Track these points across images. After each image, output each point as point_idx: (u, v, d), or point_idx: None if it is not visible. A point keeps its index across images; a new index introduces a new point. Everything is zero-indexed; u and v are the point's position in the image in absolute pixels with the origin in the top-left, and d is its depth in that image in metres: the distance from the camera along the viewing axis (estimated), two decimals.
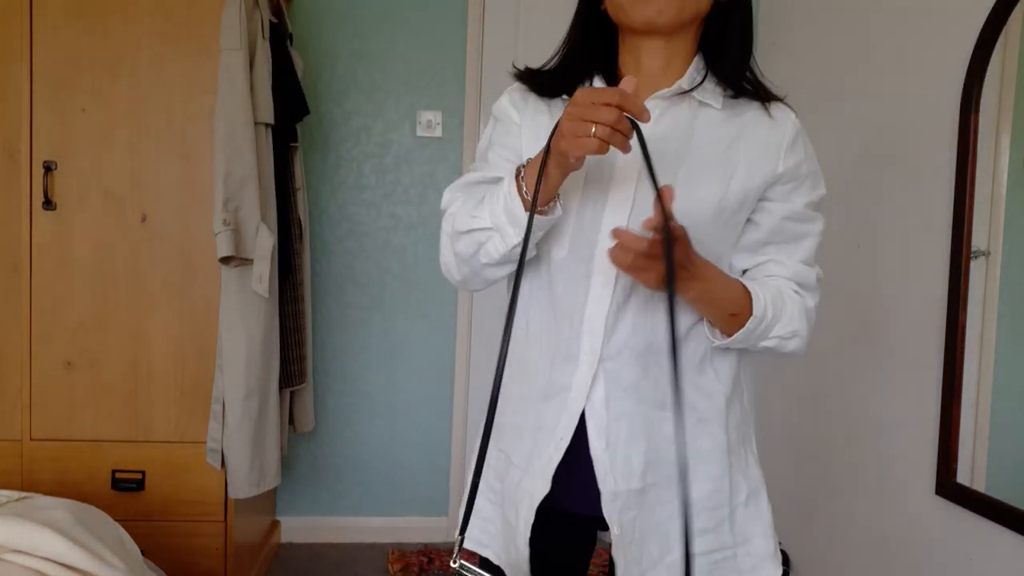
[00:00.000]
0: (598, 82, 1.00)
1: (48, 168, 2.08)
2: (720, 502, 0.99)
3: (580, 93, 0.80)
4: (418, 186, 2.77)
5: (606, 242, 0.90)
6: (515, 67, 1.05)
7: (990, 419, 1.64)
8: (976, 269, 1.65)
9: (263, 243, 2.00)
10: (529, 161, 0.90)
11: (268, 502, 2.68)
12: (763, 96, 0.97)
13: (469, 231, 0.95)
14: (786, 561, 2.43)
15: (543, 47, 1.24)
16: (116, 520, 1.62)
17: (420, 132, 2.75)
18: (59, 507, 1.46)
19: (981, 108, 1.64)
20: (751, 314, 0.92)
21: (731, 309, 0.92)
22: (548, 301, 0.99)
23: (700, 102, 0.96)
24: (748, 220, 0.99)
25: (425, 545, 2.80)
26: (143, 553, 1.64)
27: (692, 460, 0.97)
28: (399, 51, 2.74)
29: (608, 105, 0.76)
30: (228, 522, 2.16)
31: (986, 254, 1.64)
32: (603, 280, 0.94)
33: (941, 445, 1.73)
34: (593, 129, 0.76)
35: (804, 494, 2.37)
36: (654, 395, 0.96)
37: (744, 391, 1.04)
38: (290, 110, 2.29)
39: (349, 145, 2.76)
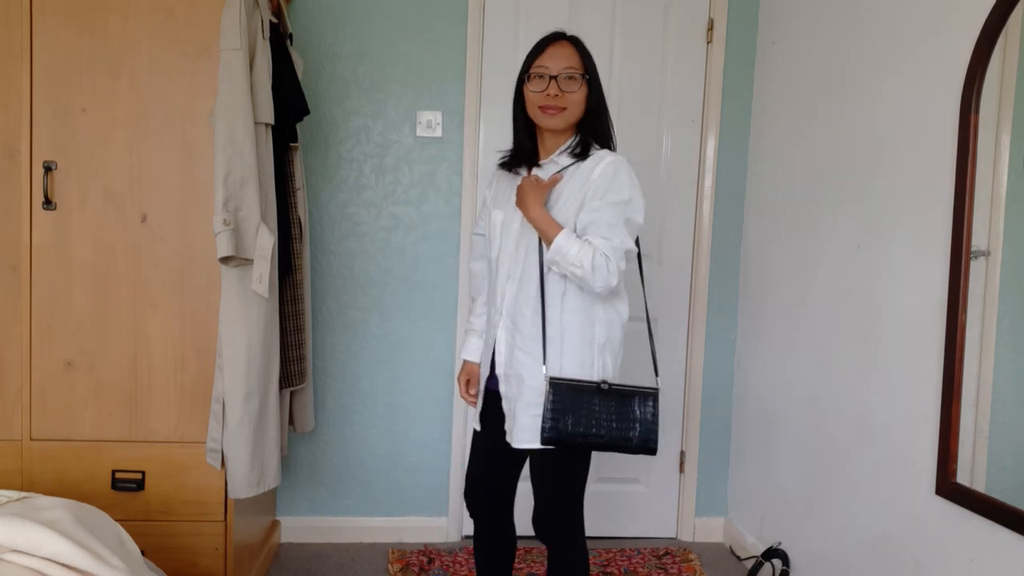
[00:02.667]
0: (523, 171, 1.84)
1: (48, 168, 2.08)
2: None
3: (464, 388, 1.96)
4: (418, 186, 2.78)
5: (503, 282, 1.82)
6: (499, 158, 1.90)
7: (990, 419, 1.64)
8: (976, 269, 1.65)
9: (263, 243, 2.00)
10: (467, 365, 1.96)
11: (268, 502, 2.68)
12: (588, 154, 1.76)
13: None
14: (786, 561, 2.43)
15: None
16: (116, 520, 1.62)
17: (420, 132, 2.75)
18: (59, 507, 1.46)
19: (981, 108, 1.64)
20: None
21: (548, 236, 1.67)
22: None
23: (564, 165, 1.78)
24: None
25: (425, 545, 2.80)
26: (143, 553, 1.64)
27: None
28: (399, 51, 2.74)
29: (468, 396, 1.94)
30: (228, 522, 2.16)
31: (986, 254, 1.64)
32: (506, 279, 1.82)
33: (941, 445, 1.73)
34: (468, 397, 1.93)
35: (804, 494, 2.38)
36: (522, 329, 1.76)
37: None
38: (290, 110, 2.28)
39: (349, 145, 2.76)
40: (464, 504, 2.85)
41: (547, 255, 1.69)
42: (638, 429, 1.67)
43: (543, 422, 1.66)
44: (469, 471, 1.94)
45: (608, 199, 1.67)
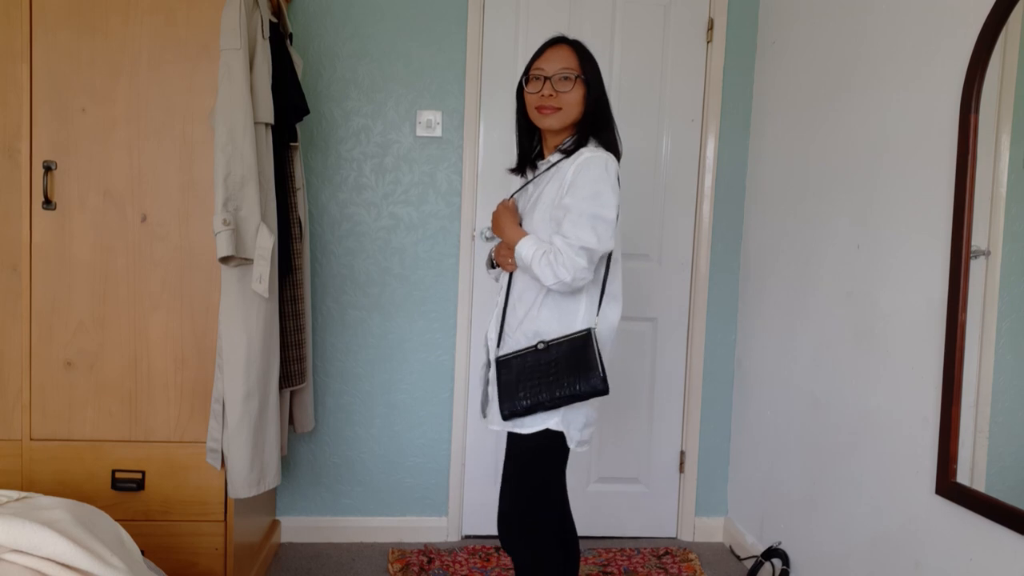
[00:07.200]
0: (530, 174, 1.89)
1: (48, 168, 2.08)
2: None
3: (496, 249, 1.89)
4: (418, 186, 2.78)
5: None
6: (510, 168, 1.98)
7: (990, 419, 1.64)
8: (976, 269, 1.65)
9: (263, 243, 2.00)
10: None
11: (268, 502, 2.68)
12: (575, 152, 1.76)
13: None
14: (786, 561, 2.43)
15: None
16: (116, 520, 1.62)
17: (420, 132, 2.75)
18: (59, 507, 1.46)
19: (981, 108, 1.64)
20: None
21: (513, 247, 1.75)
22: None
23: (554, 163, 1.80)
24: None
25: (425, 545, 2.80)
26: (143, 553, 1.64)
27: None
28: (399, 51, 2.74)
29: (505, 252, 1.81)
30: (228, 522, 2.16)
31: (986, 254, 1.64)
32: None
33: (941, 445, 1.73)
34: (509, 261, 1.80)
35: (804, 494, 2.37)
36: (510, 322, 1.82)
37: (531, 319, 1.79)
38: (290, 110, 2.29)
39: (349, 145, 2.76)
40: (463, 504, 2.86)
41: (515, 258, 1.76)
42: (585, 372, 1.70)
43: (499, 402, 1.74)
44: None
45: (575, 195, 1.68)
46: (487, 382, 1.87)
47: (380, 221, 2.78)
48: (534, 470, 1.80)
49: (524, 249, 1.71)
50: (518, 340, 1.77)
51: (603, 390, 1.71)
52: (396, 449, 2.83)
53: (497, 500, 1.89)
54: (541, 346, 1.72)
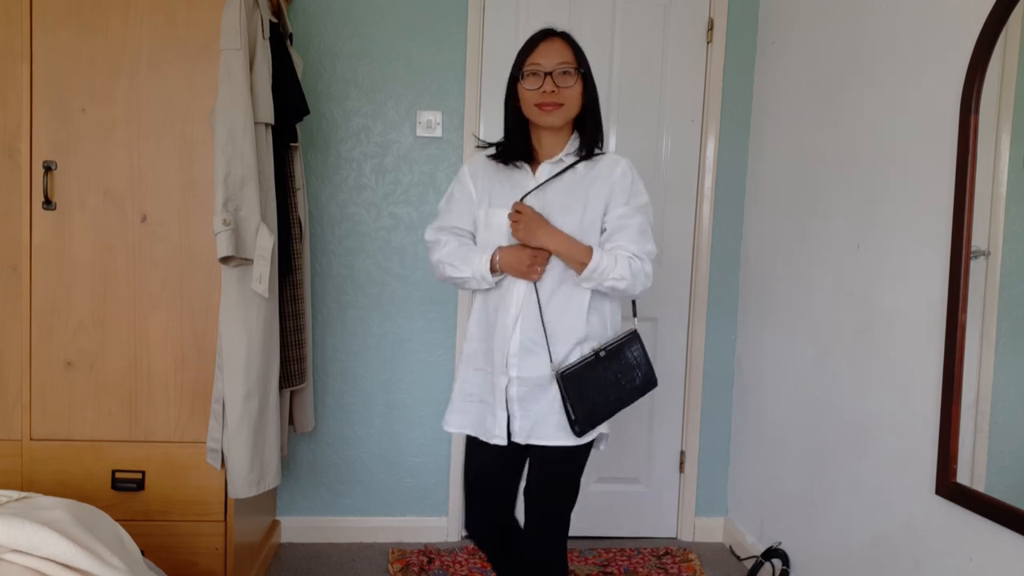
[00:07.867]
0: (524, 165, 1.77)
1: (48, 168, 2.08)
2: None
3: (527, 255, 1.70)
4: (418, 186, 2.77)
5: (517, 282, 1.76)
6: (477, 141, 1.90)
7: (990, 419, 1.64)
8: (976, 269, 1.65)
9: (263, 243, 2.00)
10: (499, 250, 1.72)
11: (268, 502, 2.68)
12: (596, 155, 1.76)
13: (456, 277, 1.76)
14: (786, 561, 2.43)
15: None
16: (116, 520, 1.62)
17: (420, 132, 2.75)
18: (59, 507, 1.46)
19: (981, 108, 1.64)
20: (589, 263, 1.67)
21: (579, 259, 1.66)
22: (498, 296, 1.78)
23: (570, 164, 1.75)
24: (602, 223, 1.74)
25: (425, 545, 2.80)
26: (143, 553, 1.64)
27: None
28: (399, 51, 2.74)
29: (535, 261, 1.68)
30: (228, 522, 2.16)
31: (986, 254, 1.64)
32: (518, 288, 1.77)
33: (941, 445, 1.73)
34: (538, 269, 1.69)
35: (804, 494, 2.37)
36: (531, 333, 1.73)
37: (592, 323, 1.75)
38: (290, 110, 2.29)
39: (349, 145, 2.76)
40: (464, 504, 2.85)
41: (579, 277, 1.68)
42: (639, 374, 1.76)
43: (570, 419, 1.67)
44: (477, 489, 1.84)
45: (633, 204, 1.70)
46: (507, 401, 1.73)
47: (380, 221, 2.78)
48: (580, 473, 1.81)
49: (604, 263, 1.64)
50: (570, 351, 1.70)
51: (656, 384, 1.80)
52: (396, 449, 2.83)
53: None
54: (603, 354, 1.70)
